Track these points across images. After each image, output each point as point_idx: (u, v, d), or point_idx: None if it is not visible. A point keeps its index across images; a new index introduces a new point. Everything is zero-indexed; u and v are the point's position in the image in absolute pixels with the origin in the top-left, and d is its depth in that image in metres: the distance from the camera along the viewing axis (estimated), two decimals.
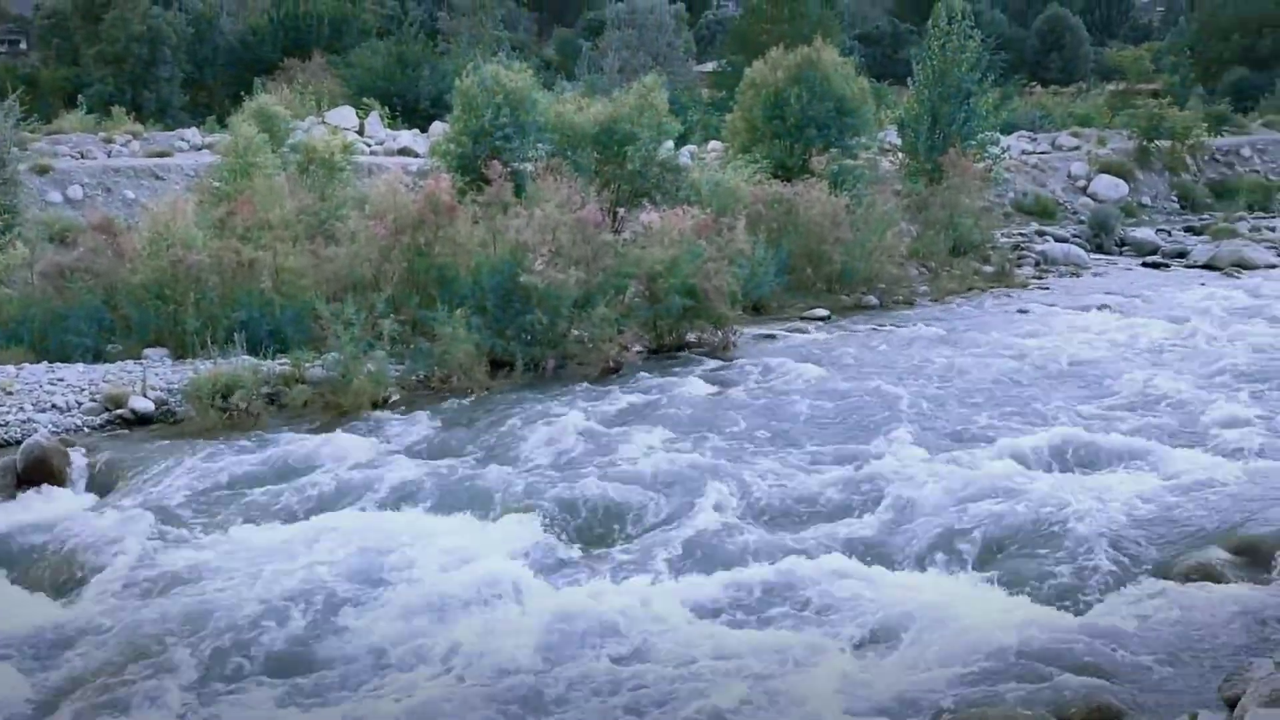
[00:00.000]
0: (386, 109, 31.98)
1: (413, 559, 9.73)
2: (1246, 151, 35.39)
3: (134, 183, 23.70)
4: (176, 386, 14.08)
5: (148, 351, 15.38)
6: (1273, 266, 25.12)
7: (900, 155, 28.17)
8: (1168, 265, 25.97)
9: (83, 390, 13.93)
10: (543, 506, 10.89)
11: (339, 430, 13.23)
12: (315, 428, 13.40)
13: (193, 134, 28.42)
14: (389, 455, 12.43)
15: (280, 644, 8.53)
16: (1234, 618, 8.69)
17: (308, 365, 14.67)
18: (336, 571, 9.56)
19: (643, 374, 15.90)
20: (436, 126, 28.25)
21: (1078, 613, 8.86)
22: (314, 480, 11.63)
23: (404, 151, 27.95)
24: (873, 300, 21.36)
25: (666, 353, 17.18)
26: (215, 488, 11.57)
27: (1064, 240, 27.29)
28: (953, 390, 15.15)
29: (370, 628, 8.72)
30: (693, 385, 15.32)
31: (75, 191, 23.24)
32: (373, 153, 27.36)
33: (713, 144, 30.27)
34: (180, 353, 15.28)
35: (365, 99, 32.40)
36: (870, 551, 10.07)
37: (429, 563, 9.67)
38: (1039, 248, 26.35)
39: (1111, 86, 52.71)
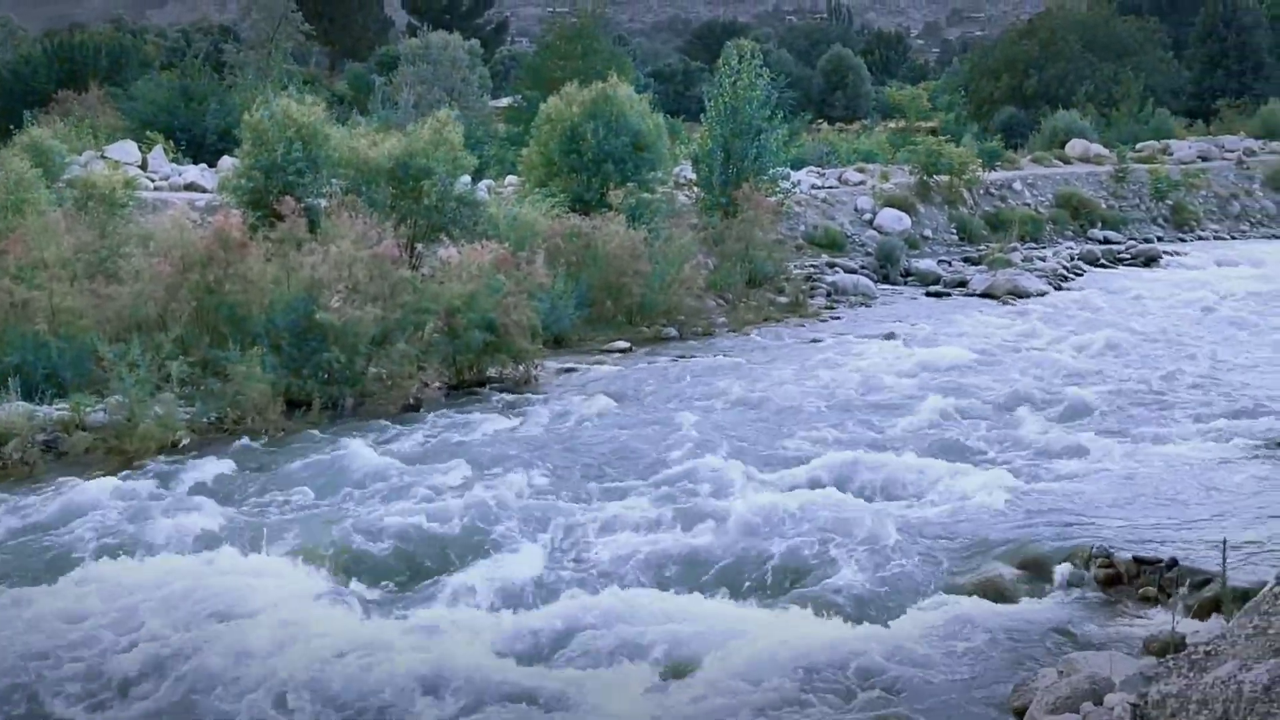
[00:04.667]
0: (171, 143, 30.85)
1: (202, 605, 9.32)
2: (1018, 185, 37.32)
3: None
4: None
5: None
6: (1044, 294, 26.52)
7: (696, 189, 28.67)
8: (949, 294, 27.11)
9: None
10: (340, 547, 10.61)
11: (124, 477, 12.62)
12: (98, 475, 12.75)
13: None
14: (178, 500, 11.91)
15: (52, 703, 8.04)
16: (1020, 630, 9.08)
17: (89, 410, 13.98)
18: (117, 623, 9.08)
19: (443, 410, 15.71)
20: (225, 161, 27.36)
21: (873, 631, 9.09)
22: (95, 529, 11.05)
23: (191, 187, 26.97)
24: (672, 332, 21.64)
25: (468, 388, 17.01)
26: None
27: (853, 271, 28.18)
28: (750, 418, 15.46)
29: (150, 681, 8.29)
30: (494, 421, 15.22)
31: None
32: (157, 188, 26.31)
33: (510, 178, 30.23)
34: None
35: (148, 133, 31.18)
36: (669, 579, 10.15)
37: (219, 609, 9.29)
38: (830, 279, 27.14)
39: (892, 124, 55.01)
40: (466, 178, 21.64)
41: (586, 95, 24.86)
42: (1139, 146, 43.93)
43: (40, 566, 10.36)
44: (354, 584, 10.13)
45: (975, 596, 9.69)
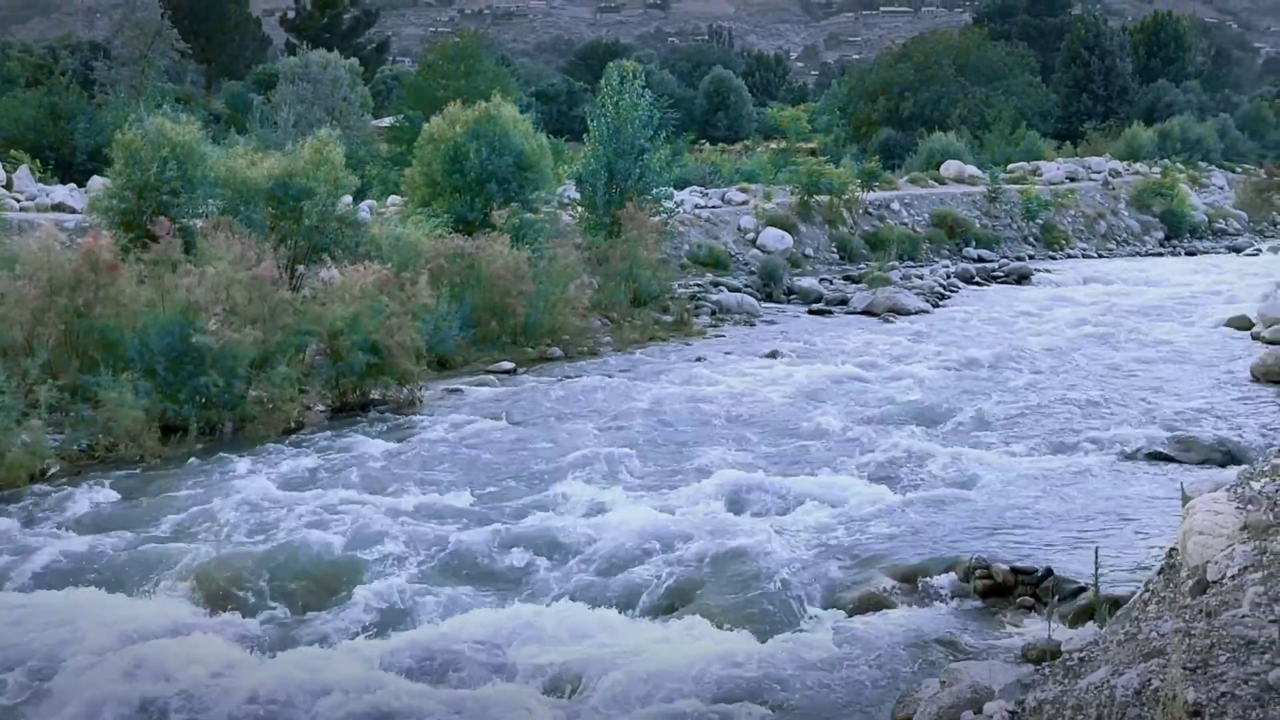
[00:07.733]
0: (38, 162, 29.93)
1: (78, 639, 9.00)
2: (896, 205, 38.14)
3: None
4: None
5: None
6: (922, 311, 27.12)
7: (579, 209, 28.72)
8: (831, 312, 27.56)
9: None
10: (222, 575, 10.34)
11: None
12: None
13: None
14: (47, 532, 11.51)
15: None
16: (902, 641, 9.21)
17: None
18: None
19: (326, 434, 15.46)
20: (95, 181, 26.61)
21: (755, 648, 9.12)
22: None
23: (59, 207, 26.21)
24: (557, 352, 21.61)
25: (351, 411, 16.77)
26: None
27: (737, 290, 28.48)
28: (634, 437, 15.48)
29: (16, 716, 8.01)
30: (377, 443, 15.02)
31: None
32: (23, 209, 25.51)
33: (392, 199, 29.96)
34: None
35: (14, 152, 30.22)
36: (555, 597, 10.10)
37: (96, 643, 8.97)
38: (714, 297, 27.39)
39: (773, 144, 55.80)
40: (348, 198, 21.37)
41: (469, 115, 24.76)
42: (1010, 168, 45.30)
43: None
44: (233, 610, 9.88)
45: (858, 609, 9.81)
